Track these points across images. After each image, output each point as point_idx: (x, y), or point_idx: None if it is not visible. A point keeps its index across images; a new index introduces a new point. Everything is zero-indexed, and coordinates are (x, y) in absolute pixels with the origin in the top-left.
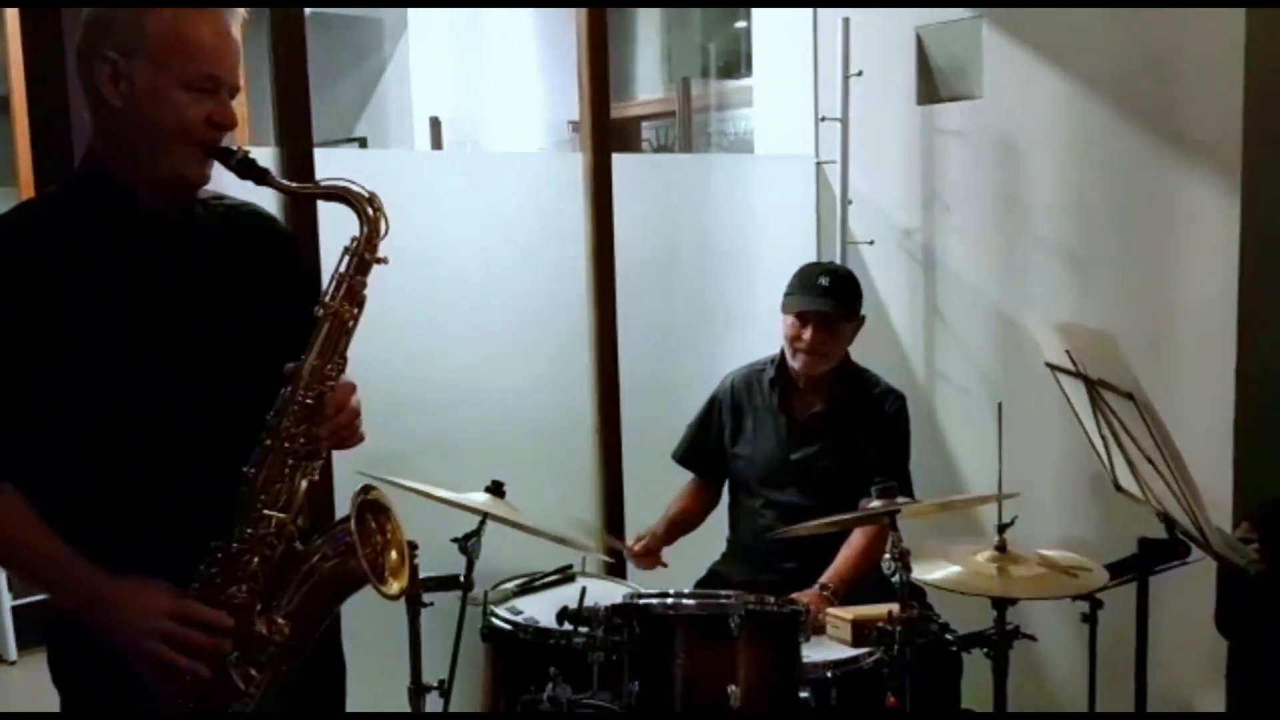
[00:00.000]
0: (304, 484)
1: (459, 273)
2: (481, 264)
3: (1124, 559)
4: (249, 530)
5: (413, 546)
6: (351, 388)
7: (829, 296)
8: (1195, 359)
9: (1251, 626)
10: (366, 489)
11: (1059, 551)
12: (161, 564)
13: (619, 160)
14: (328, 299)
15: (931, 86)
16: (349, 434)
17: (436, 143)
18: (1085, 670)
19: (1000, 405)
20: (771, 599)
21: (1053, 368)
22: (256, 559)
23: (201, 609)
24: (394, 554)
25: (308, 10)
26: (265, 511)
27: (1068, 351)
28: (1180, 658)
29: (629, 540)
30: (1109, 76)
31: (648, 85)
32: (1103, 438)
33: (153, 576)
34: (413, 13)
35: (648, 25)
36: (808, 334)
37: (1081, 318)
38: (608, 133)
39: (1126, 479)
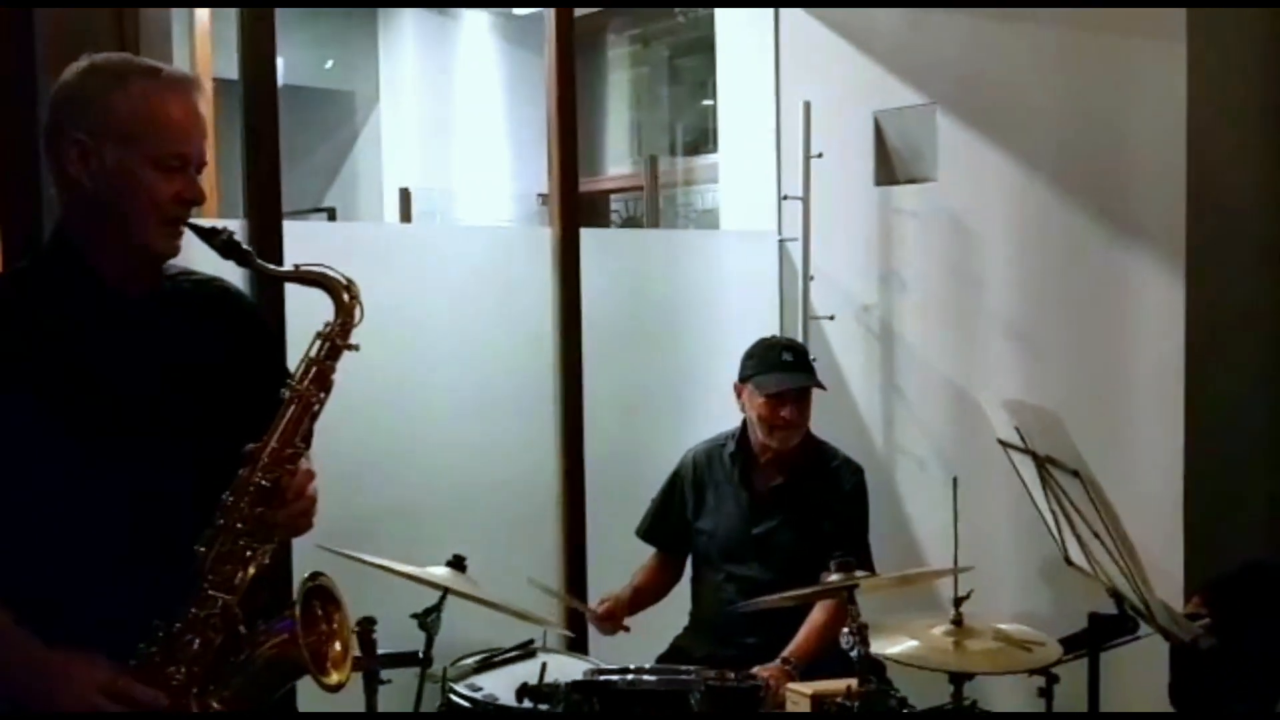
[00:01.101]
0: (254, 567)
1: (425, 344)
2: (448, 336)
3: (1076, 634)
4: (194, 610)
5: (371, 622)
6: (310, 475)
7: (802, 370)
8: (1144, 436)
9: (1204, 700)
10: (315, 575)
11: (1014, 625)
12: (106, 638)
13: (587, 234)
14: (295, 382)
15: (889, 169)
16: (303, 521)
17: (406, 214)
18: None
19: (955, 480)
20: (732, 674)
21: (1003, 444)
22: (199, 640)
23: (137, 688)
24: (338, 645)
25: (280, 82)
26: (212, 593)
27: (1016, 428)
28: None
29: (593, 602)
30: (1057, 160)
31: (616, 160)
32: (1053, 513)
33: (94, 650)
34: (385, 85)
35: (617, 102)
36: (787, 411)
37: (1032, 394)
38: (576, 207)
39: (1077, 554)
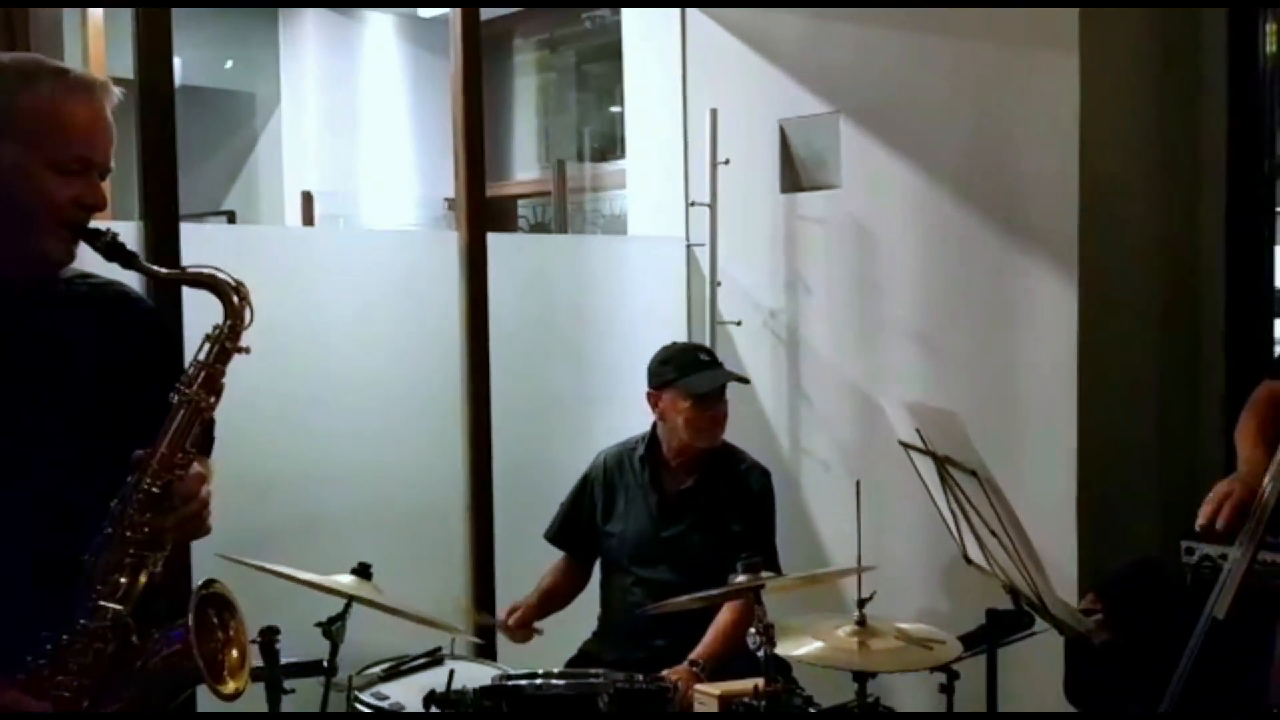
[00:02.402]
0: (145, 576)
1: (329, 350)
2: (353, 341)
3: (974, 630)
4: (83, 621)
5: (273, 631)
6: (201, 478)
7: (720, 366)
8: (1039, 436)
9: (1098, 694)
10: (209, 583)
11: (915, 624)
12: None
13: (494, 239)
14: (184, 387)
15: (794, 176)
16: (196, 525)
17: (308, 217)
18: None
19: (859, 483)
20: (640, 677)
21: (905, 445)
22: (89, 652)
23: (23, 701)
24: (235, 652)
25: (179, 82)
26: (101, 602)
27: (918, 429)
28: None
29: (501, 613)
30: (955, 168)
31: (524, 165)
32: (952, 512)
33: None
34: (286, 86)
35: (524, 107)
36: (716, 410)
37: (933, 397)
38: (483, 211)
39: (975, 552)
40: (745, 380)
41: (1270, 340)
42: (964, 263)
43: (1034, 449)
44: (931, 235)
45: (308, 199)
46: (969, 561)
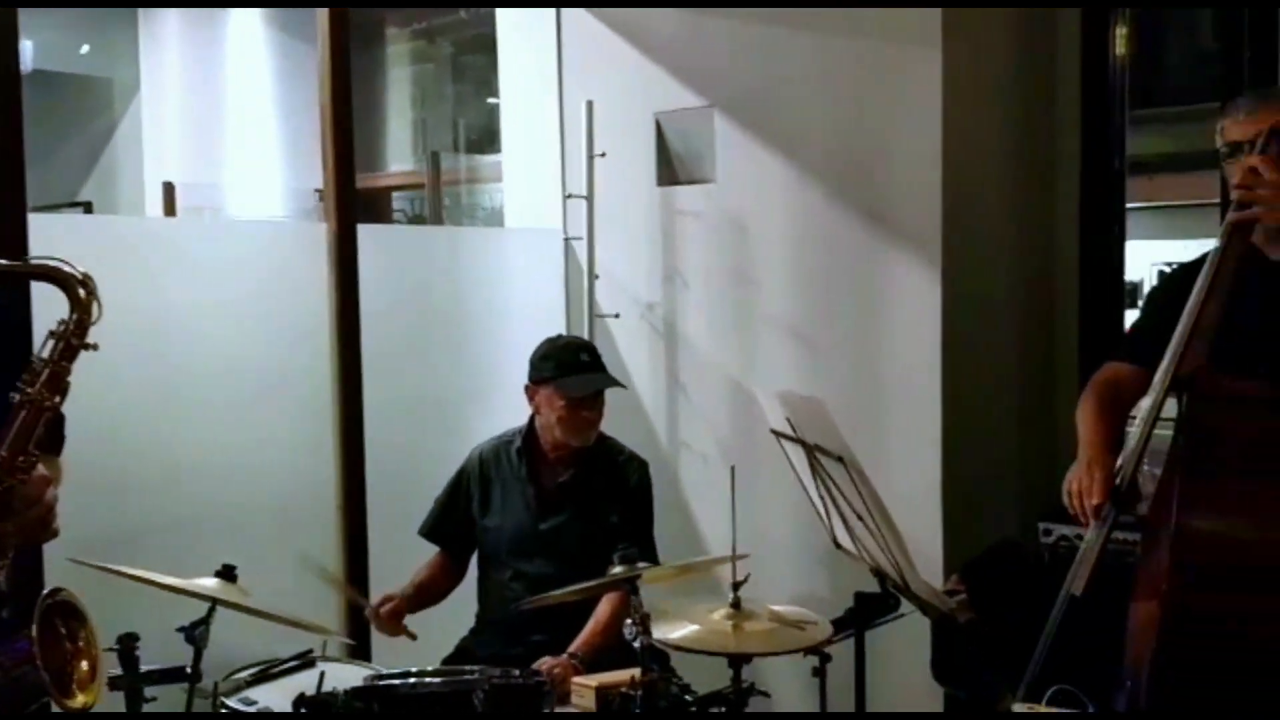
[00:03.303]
0: None
1: (193, 344)
2: (218, 335)
3: (844, 614)
4: None
5: (133, 638)
6: (46, 481)
7: (601, 369)
8: (905, 424)
9: (963, 673)
10: (55, 591)
11: (789, 607)
12: None
13: (366, 230)
14: (26, 386)
15: (670, 169)
16: (40, 530)
17: (170, 209)
18: None
19: (733, 469)
20: (516, 672)
21: (776, 434)
22: None
23: None
24: (85, 664)
25: (30, 66)
26: None
27: (788, 418)
28: (903, 705)
29: (374, 600)
30: (826, 166)
31: (398, 157)
32: (821, 498)
33: None
34: (146, 72)
35: (398, 97)
36: (589, 412)
37: (804, 387)
38: (353, 202)
39: (844, 537)
40: (623, 385)
41: (1121, 331)
42: (833, 256)
43: (899, 436)
44: (802, 229)
45: (169, 190)
46: (838, 546)
